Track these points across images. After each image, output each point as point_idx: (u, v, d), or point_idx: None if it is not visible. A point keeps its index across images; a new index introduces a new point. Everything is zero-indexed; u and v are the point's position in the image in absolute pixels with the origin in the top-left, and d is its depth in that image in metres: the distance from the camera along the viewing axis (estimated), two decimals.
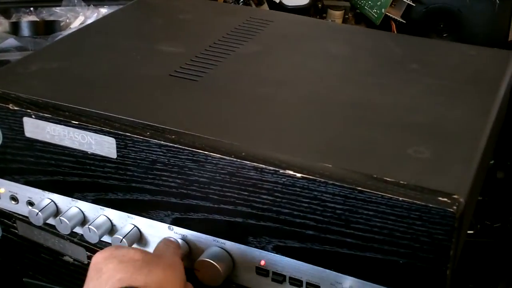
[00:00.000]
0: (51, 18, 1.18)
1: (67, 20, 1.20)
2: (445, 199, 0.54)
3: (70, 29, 1.17)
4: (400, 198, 0.54)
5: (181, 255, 0.67)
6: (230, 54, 0.82)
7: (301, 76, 0.78)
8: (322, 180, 0.57)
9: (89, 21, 1.17)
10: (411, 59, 0.84)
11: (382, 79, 0.78)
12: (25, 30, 1.14)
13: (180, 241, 0.69)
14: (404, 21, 1.27)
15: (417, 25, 1.26)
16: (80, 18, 1.20)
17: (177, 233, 0.69)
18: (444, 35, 1.24)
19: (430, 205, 0.53)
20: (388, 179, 0.56)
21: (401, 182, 0.56)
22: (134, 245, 0.71)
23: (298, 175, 0.58)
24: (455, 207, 0.53)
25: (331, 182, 0.57)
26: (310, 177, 0.58)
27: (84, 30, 0.94)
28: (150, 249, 0.71)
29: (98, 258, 0.62)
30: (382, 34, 0.97)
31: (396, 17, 1.28)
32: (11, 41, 1.11)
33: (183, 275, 0.63)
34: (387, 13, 1.26)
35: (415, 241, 0.55)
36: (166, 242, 0.68)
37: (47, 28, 1.15)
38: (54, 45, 0.91)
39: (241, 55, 0.83)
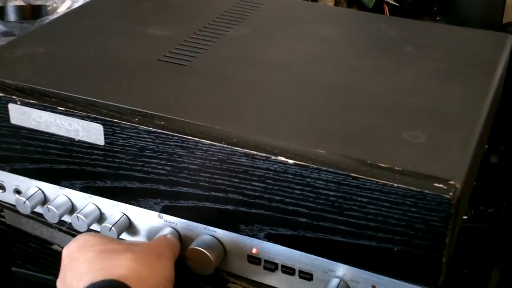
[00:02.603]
0: (38, 3, 1.16)
1: (54, 5, 1.18)
2: (441, 185, 0.52)
3: (57, 14, 1.15)
4: (395, 185, 0.53)
5: (176, 249, 0.65)
6: (220, 38, 0.81)
7: (292, 60, 0.77)
8: (315, 166, 0.56)
9: (76, 5, 1.15)
10: (405, 41, 0.82)
11: (376, 62, 0.76)
12: (11, 15, 1.12)
13: (170, 229, 0.67)
14: (397, 4, 1.25)
15: (410, 8, 1.25)
16: (67, 2, 1.18)
17: (167, 221, 0.67)
18: (438, 18, 1.23)
19: (426, 191, 0.52)
20: (382, 164, 0.55)
21: (396, 168, 0.54)
22: (124, 234, 0.70)
23: (291, 161, 0.57)
24: (451, 193, 0.52)
25: (324, 168, 0.55)
26: (303, 163, 0.56)
27: (71, 14, 0.92)
28: (140, 237, 0.70)
29: (72, 247, 0.61)
30: (375, 17, 0.96)
31: (389, 0, 1.27)
32: None
33: (171, 267, 0.61)
34: None
35: (410, 228, 0.54)
36: (164, 236, 0.67)
37: (33, 12, 1.13)
38: (40, 29, 0.89)
39: (232, 39, 0.81)
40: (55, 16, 1.13)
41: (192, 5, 0.92)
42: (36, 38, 0.80)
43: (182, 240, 0.67)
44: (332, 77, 0.73)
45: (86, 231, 0.70)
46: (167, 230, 0.67)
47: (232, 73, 0.72)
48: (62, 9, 1.16)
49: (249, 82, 0.71)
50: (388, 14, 1.24)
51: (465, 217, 0.93)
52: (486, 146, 0.97)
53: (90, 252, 0.59)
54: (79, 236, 0.62)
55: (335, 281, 0.62)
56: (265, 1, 0.94)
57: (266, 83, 0.70)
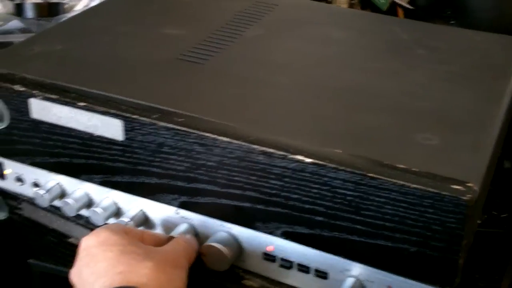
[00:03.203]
0: (55, 0, 1.17)
1: (71, 2, 1.19)
2: (459, 187, 0.53)
3: (74, 12, 1.16)
4: (413, 185, 0.54)
5: (192, 258, 0.64)
6: (236, 38, 0.81)
7: (308, 61, 0.77)
8: (332, 166, 0.56)
9: (93, 4, 1.16)
10: (417, 44, 0.83)
11: (388, 65, 0.77)
12: (29, 12, 1.13)
13: (186, 225, 0.68)
14: (411, 7, 1.26)
15: (424, 12, 1.25)
16: (84, 1, 1.19)
17: (183, 217, 0.68)
18: (451, 22, 1.23)
19: (443, 193, 0.53)
20: (399, 165, 0.55)
21: (413, 169, 0.55)
22: (140, 229, 0.71)
23: (308, 160, 0.57)
24: (468, 195, 0.52)
25: (341, 168, 0.56)
26: (320, 162, 0.57)
27: (89, 12, 0.93)
28: (156, 232, 0.70)
29: (91, 241, 0.60)
30: (389, 19, 0.96)
31: (403, 3, 1.27)
32: (15, 23, 1.11)
33: (185, 279, 0.61)
34: None
35: (427, 229, 0.54)
36: (183, 239, 0.65)
37: (50, 10, 1.14)
38: (58, 26, 0.90)
39: (247, 40, 0.82)
40: (72, 14, 1.14)
41: (208, 6, 0.93)
42: (55, 35, 0.81)
43: (198, 236, 0.68)
44: (346, 78, 0.73)
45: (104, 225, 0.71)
46: (183, 227, 0.68)
47: (248, 73, 0.73)
48: (79, 7, 1.17)
49: (264, 82, 0.71)
50: (402, 17, 1.24)
51: (478, 222, 0.93)
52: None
53: (110, 251, 0.59)
54: (99, 231, 0.62)
55: (350, 281, 0.62)
56: (280, 2, 0.95)
57: (281, 84, 0.71)
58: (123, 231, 0.63)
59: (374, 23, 0.93)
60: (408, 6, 1.28)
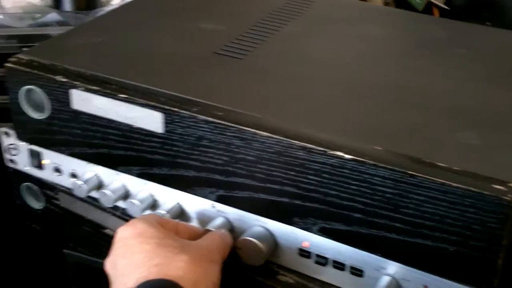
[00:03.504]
0: None
1: None
2: (500, 187, 0.52)
3: (111, 6, 1.17)
4: (454, 184, 0.53)
5: (226, 253, 0.64)
6: (274, 33, 0.82)
7: (344, 58, 0.77)
8: (372, 162, 0.56)
9: None
10: (457, 43, 0.82)
11: (428, 63, 0.77)
12: (67, 5, 1.14)
13: (222, 219, 0.68)
14: (448, 8, 1.25)
15: (460, 12, 1.25)
16: None
17: (219, 210, 0.68)
18: (487, 23, 1.22)
19: (485, 193, 0.52)
20: (440, 164, 0.55)
21: (454, 167, 0.55)
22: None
23: (347, 156, 0.57)
24: (510, 195, 0.52)
25: (381, 165, 0.56)
26: (360, 159, 0.57)
27: (127, 6, 0.94)
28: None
29: (128, 232, 0.61)
30: (426, 18, 0.96)
31: (439, 4, 1.27)
32: (53, 16, 1.12)
33: (219, 273, 0.61)
34: None
35: (467, 229, 0.54)
36: (218, 234, 0.66)
37: (88, 3, 1.16)
38: (98, 19, 0.90)
39: (285, 35, 0.82)
40: (109, 8, 1.14)
41: (244, 1, 0.94)
42: (96, 27, 0.82)
43: (234, 230, 0.68)
44: (383, 76, 0.73)
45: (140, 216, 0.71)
46: (219, 220, 0.68)
47: (286, 68, 0.73)
48: (116, 1, 1.18)
49: (304, 77, 0.71)
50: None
51: None
52: None
53: (146, 243, 0.59)
54: (136, 222, 0.62)
55: (386, 279, 0.61)
56: None
57: (321, 80, 0.71)
58: (159, 224, 0.63)
59: (412, 22, 0.93)
60: (444, 6, 1.27)
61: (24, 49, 1.04)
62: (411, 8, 1.28)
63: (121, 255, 0.60)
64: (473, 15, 1.24)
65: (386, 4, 1.32)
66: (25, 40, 1.08)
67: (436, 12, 1.28)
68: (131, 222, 0.63)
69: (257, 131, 0.60)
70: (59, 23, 1.12)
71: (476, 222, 0.53)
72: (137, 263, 0.58)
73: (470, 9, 1.26)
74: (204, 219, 0.70)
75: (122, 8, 0.93)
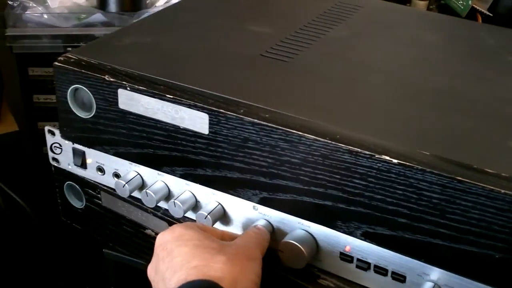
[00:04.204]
0: None
1: None
2: None
3: (156, 7, 1.18)
4: (502, 191, 0.53)
5: (264, 248, 0.65)
6: (321, 37, 0.82)
7: (392, 62, 0.77)
8: (420, 167, 0.56)
9: (174, 0, 1.18)
10: (506, 50, 0.81)
11: (477, 69, 0.76)
12: (112, 6, 1.15)
13: (264, 221, 0.68)
14: (491, 14, 1.24)
15: (503, 19, 1.23)
16: None
17: (261, 213, 0.68)
18: None
19: None
20: (489, 170, 0.54)
21: (503, 174, 0.54)
22: (217, 223, 0.71)
23: (395, 161, 0.57)
24: None
25: (429, 170, 0.55)
26: (407, 163, 0.56)
27: (173, 8, 0.95)
28: (233, 228, 0.71)
29: (166, 237, 0.61)
30: (473, 24, 0.95)
31: (482, 10, 1.25)
32: (98, 16, 1.13)
33: (259, 270, 0.61)
34: (473, 5, 1.23)
35: None
36: (253, 231, 0.66)
37: (133, 4, 1.17)
38: (145, 21, 0.91)
39: (332, 39, 0.82)
40: (154, 9, 1.15)
41: (290, 4, 0.94)
42: (143, 28, 0.83)
43: (275, 233, 0.68)
44: (433, 81, 0.72)
45: (182, 219, 0.72)
46: (261, 223, 0.68)
47: (333, 72, 0.73)
48: (160, 2, 1.19)
49: (350, 81, 0.71)
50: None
51: None
52: None
53: (185, 246, 0.60)
54: (175, 227, 0.63)
55: (429, 285, 0.61)
56: (364, 3, 0.95)
57: (366, 84, 0.71)
58: (198, 227, 0.64)
59: (458, 27, 0.92)
60: (487, 12, 1.26)
61: (69, 48, 1.06)
62: (454, 13, 1.27)
63: (161, 260, 0.60)
64: None
65: (429, 9, 1.32)
66: (70, 40, 1.09)
67: (479, 18, 1.27)
68: (170, 227, 0.63)
69: (303, 134, 0.60)
70: (104, 24, 1.13)
71: None
72: (176, 267, 0.58)
73: None
74: (246, 221, 0.70)
75: (168, 10, 0.94)
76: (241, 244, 0.63)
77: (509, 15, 1.25)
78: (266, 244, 0.66)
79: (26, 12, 1.12)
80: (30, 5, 1.13)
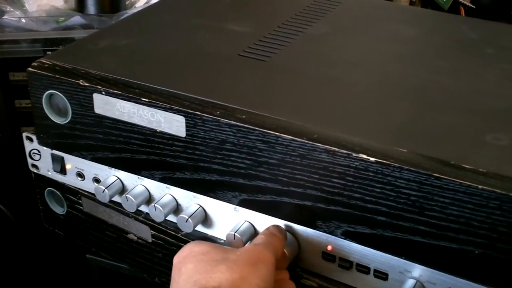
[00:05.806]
0: None
1: None
2: None
3: (135, 8, 1.17)
4: (480, 186, 0.52)
5: (277, 248, 0.63)
6: (299, 35, 0.81)
7: (371, 58, 0.76)
8: (397, 165, 0.55)
9: (154, 1, 1.17)
10: (485, 43, 0.81)
11: (456, 63, 0.75)
12: (91, 8, 1.15)
13: (245, 222, 0.68)
14: (474, 6, 1.24)
15: (487, 11, 1.23)
16: None
17: (242, 215, 0.68)
18: None
19: (511, 194, 0.51)
20: (466, 166, 0.54)
21: (480, 169, 0.54)
22: (199, 226, 0.71)
23: (372, 159, 0.56)
24: None
25: (406, 167, 0.55)
26: (384, 161, 0.56)
27: (151, 8, 0.94)
28: (215, 230, 0.70)
29: (179, 257, 0.60)
30: (454, 18, 0.94)
31: (465, 2, 1.25)
32: (77, 19, 1.12)
33: (265, 273, 0.59)
34: None
35: (493, 231, 0.53)
36: (264, 232, 0.64)
37: (112, 6, 1.16)
38: (122, 22, 0.90)
39: (310, 36, 0.81)
40: (133, 10, 1.15)
41: (270, 2, 0.93)
42: (119, 30, 0.82)
43: (257, 234, 0.68)
44: (411, 77, 0.72)
45: (163, 222, 0.71)
46: (242, 225, 0.67)
47: (311, 70, 0.73)
48: (140, 3, 1.18)
49: (328, 79, 0.71)
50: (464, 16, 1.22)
51: None
52: None
53: (190, 263, 0.59)
54: (187, 245, 0.62)
55: (411, 282, 0.61)
56: None
57: (345, 81, 0.70)
58: (208, 243, 0.62)
59: (439, 21, 0.92)
60: (470, 5, 1.26)
61: (48, 53, 1.05)
62: (437, 7, 1.27)
63: (173, 281, 0.60)
64: (499, 13, 1.22)
65: (412, 3, 1.31)
66: (49, 43, 1.08)
67: (462, 10, 1.27)
68: (185, 245, 0.62)
69: (280, 134, 0.60)
70: (83, 26, 1.12)
71: (502, 224, 0.53)
72: (181, 285, 0.58)
73: (497, 7, 1.24)
74: (227, 223, 0.69)
75: (146, 10, 0.93)
76: (247, 248, 0.61)
77: (492, 7, 1.25)
78: (280, 244, 0.64)
79: (3, 17, 1.11)
80: (8, 9, 1.12)
